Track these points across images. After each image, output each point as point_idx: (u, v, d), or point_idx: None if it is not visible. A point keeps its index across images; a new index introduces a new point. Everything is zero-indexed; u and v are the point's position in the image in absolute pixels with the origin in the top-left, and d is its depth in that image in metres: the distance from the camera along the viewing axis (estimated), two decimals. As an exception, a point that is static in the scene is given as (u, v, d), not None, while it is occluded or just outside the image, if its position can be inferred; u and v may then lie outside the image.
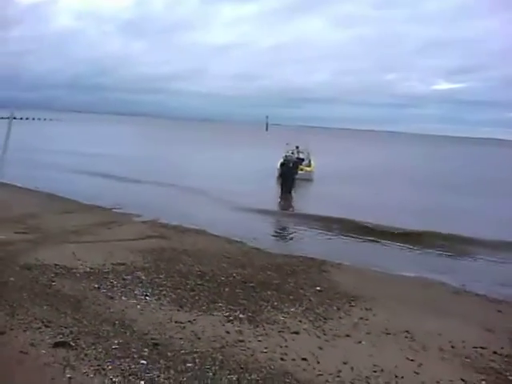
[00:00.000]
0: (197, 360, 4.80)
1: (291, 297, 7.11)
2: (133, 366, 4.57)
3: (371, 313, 6.71)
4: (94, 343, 5.00)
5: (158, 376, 4.43)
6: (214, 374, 4.54)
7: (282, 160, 23.73)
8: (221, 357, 4.92)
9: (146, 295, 6.69)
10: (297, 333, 5.76)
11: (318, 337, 5.70)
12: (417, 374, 4.90)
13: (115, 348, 4.93)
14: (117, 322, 5.61)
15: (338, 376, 4.70)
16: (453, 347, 5.67)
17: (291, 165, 22.44)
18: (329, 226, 13.66)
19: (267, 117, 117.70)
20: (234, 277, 7.93)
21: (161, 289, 7.02)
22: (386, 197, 20.91)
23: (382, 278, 8.97)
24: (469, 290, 8.59)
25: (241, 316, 6.17)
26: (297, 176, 22.62)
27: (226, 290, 7.23)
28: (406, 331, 6.06)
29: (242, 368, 4.70)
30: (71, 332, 5.23)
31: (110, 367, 4.50)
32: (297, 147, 28.54)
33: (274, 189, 21.76)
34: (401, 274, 9.42)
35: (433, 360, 5.30)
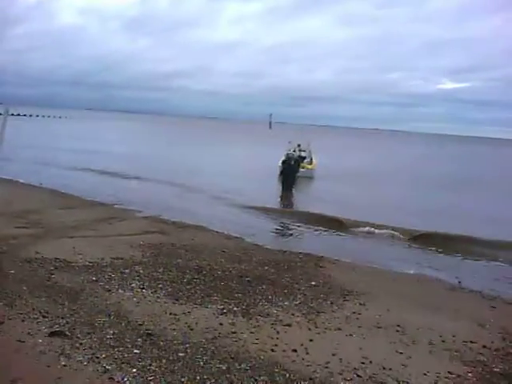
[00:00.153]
0: (188, 350, 4.92)
1: (286, 291, 7.20)
2: (126, 355, 4.69)
3: (364, 307, 6.79)
4: (90, 333, 5.13)
5: (150, 364, 4.55)
6: (204, 363, 4.65)
7: (283, 158, 23.90)
8: (212, 347, 5.03)
9: (143, 288, 6.81)
10: (289, 325, 5.86)
11: (310, 329, 5.79)
12: (405, 366, 4.99)
13: (110, 338, 5.05)
14: (112, 314, 5.73)
15: (327, 367, 4.79)
16: (443, 341, 5.75)
17: (293, 162, 22.63)
18: (327, 224, 13.74)
19: (271, 115, 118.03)
20: (230, 271, 8.03)
21: (158, 282, 7.14)
22: (385, 196, 20.96)
23: (378, 274, 9.04)
24: (464, 286, 8.66)
25: (235, 309, 6.28)
26: (298, 174, 22.78)
27: (222, 283, 7.33)
28: (398, 325, 6.14)
29: (232, 358, 4.81)
30: (67, 322, 5.37)
31: (103, 355, 4.63)
32: (298, 145, 28.67)
33: (275, 186, 21.85)
34: (397, 270, 9.50)
35: (422, 353, 5.38)
